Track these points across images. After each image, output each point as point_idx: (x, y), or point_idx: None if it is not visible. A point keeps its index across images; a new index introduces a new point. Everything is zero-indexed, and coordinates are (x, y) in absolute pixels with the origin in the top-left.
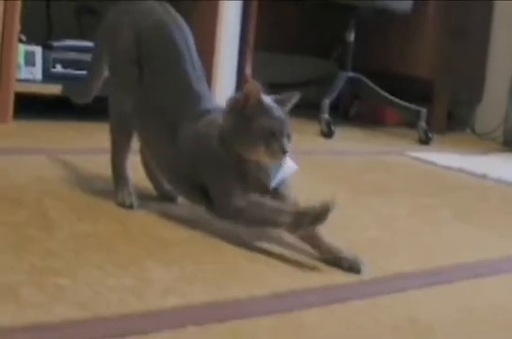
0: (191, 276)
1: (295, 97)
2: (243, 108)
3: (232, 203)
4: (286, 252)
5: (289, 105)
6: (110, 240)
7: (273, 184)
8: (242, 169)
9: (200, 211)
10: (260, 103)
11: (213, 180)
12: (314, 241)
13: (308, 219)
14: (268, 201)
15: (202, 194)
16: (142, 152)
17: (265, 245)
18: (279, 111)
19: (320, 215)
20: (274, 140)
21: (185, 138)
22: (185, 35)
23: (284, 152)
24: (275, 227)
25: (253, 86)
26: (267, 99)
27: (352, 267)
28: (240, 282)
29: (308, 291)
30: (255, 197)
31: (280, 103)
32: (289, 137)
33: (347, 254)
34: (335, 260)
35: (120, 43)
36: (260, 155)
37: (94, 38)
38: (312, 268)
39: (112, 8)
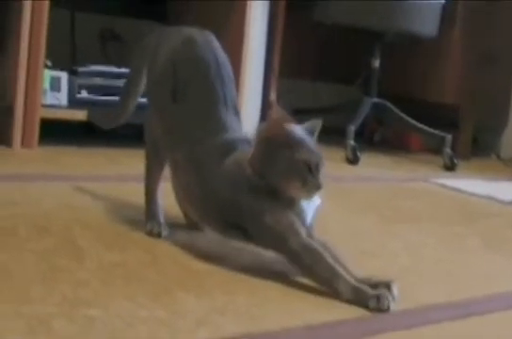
0: (222, 307)
1: (318, 125)
2: (272, 141)
3: (288, 246)
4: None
5: (315, 135)
6: (139, 270)
7: (309, 220)
8: (284, 202)
9: (228, 242)
10: (290, 134)
11: (259, 219)
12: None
13: (366, 300)
14: (324, 254)
15: (240, 231)
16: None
17: (297, 277)
18: (312, 143)
19: (381, 298)
20: (310, 176)
21: (216, 175)
22: (221, 68)
23: (320, 188)
24: (330, 290)
25: (280, 117)
26: (298, 130)
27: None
28: (272, 313)
29: (341, 323)
30: (308, 242)
31: (309, 132)
32: (323, 169)
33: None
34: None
35: (158, 67)
36: (295, 191)
37: (131, 60)
38: (345, 300)
39: (154, 31)
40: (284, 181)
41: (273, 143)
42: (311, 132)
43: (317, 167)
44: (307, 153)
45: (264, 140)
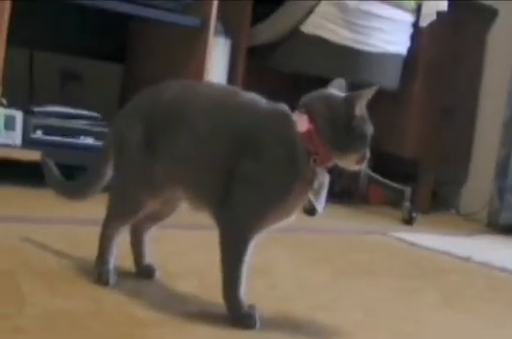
0: None
1: (343, 84)
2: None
3: (238, 233)
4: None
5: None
6: (84, 319)
7: (320, 208)
8: (306, 177)
9: (175, 289)
10: (358, 105)
11: (255, 179)
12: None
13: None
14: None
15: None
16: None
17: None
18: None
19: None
20: (365, 148)
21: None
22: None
23: (366, 160)
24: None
25: (370, 92)
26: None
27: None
28: None
29: None
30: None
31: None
32: None
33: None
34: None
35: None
36: (352, 162)
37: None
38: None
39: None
40: (349, 152)
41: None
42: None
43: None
44: (368, 126)
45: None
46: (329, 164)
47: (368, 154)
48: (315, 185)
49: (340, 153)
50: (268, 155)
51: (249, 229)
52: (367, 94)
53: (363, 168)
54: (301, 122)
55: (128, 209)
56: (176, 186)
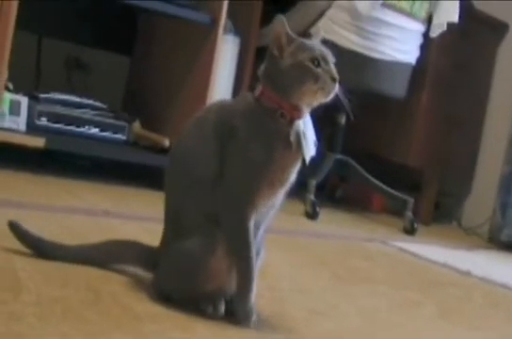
0: None
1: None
2: (279, 50)
3: (237, 212)
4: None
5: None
6: (78, 308)
7: (309, 157)
8: (283, 131)
9: None
10: (292, 39)
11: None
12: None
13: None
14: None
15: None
16: None
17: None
18: (314, 43)
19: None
20: (320, 69)
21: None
22: None
23: (334, 78)
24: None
25: (280, 24)
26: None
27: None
28: None
29: None
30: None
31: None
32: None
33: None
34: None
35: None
36: (310, 93)
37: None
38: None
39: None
40: (298, 86)
41: (279, 55)
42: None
43: (325, 59)
44: (311, 50)
45: (269, 55)
46: (300, 112)
47: (329, 73)
48: (292, 137)
49: (291, 95)
50: (242, 132)
51: (247, 205)
52: (274, 31)
53: (339, 93)
54: (256, 90)
55: None
56: None
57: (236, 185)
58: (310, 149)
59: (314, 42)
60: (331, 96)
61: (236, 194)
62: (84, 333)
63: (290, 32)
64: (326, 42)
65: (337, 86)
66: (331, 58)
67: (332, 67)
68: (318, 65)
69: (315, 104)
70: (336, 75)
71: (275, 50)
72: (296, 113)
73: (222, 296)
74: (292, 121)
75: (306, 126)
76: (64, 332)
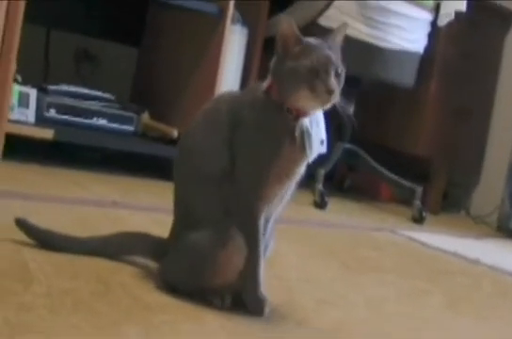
0: None
1: (343, 28)
2: (284, 50)
3: (247, 204)
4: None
5: (338, 39)
6: (89, 299)
7: (312, 156)
8: (289, 127)
9: None
10: (299, 40)
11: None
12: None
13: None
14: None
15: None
16: None
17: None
18: (322, 47)
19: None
20: (318, 80)
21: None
22: None
23: (330, 91)
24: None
25: (287, 24)
26: (309, 38)
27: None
28: None
29: None
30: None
31: (326, 39)
32: (338, 74)
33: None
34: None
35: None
36: (304, 100)
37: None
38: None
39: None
40: (293, 90)
41: (283, 54)
42: (328, 38)
43: (327, 70)
44: (314, 58)
45: (276, 54)
46: (304, 112)
47: (325, 86)
48: (296, 133)
49: (288, 96)
50: (250, 125)
51: (257, 199)
52: (282, 31)
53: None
54: (266, 82)
55: None
56: None
57: (245, 179)
58: (313, 148)
59: (322, 44)
60: (327, 107)
61: (246, 189)
62: (94, 325)
63: (297, 32)
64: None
65: (333, 97)
66: (334, 66)
67: (331, 78)
68: (317, 75)
69: (314, 109)
70: (333, 87)
71: (281, 49)
72: (300, 111)
73: (230, 289)
74: (297, 117)
75: (314, 125)
76: (74, 324)
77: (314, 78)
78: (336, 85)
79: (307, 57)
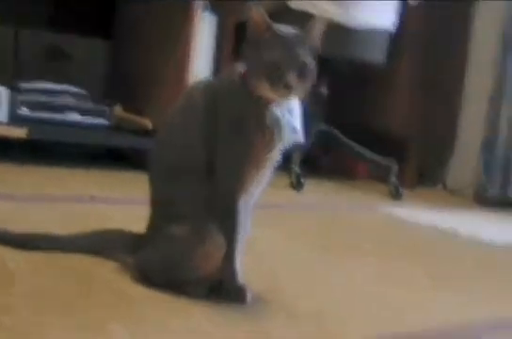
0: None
1: (320, 22)
2: (254, 38)
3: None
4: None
5: (313, 32)
6: (72, 298)
7: (284, 143)
8: (260, 114)
9: None
10: (270, 28)
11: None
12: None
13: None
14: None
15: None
16: None
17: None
18: (290, 40)
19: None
20: (277, 74)
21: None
22: None
23: (288, 86)
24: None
25: (257, 11)
26: (282, 27)
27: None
28: None
29: None
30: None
31: (300, 30)
32: (303, 69)
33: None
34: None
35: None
36: (265, 91)
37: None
38: (278, 335)
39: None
40: (255, 80)
41: (253, 42)
42: (303, 31)
43: (288, 65)
44: (278, 51)
45: (247, 41)
46: (272, 100)
47: (285, 82)
48: (267, 120)
49: (252, 84)
50: (224, 113)
51: (236, 188)
52: (253, 19)
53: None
54: (241, 68)
55: None
56: None
57: (223, 168)
58: (285, 136)
59: (291, 36)
60: (286, 100)
61: (224, 178)
62: (78, 324)
63: (268, 20)
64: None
65: (292, 92)
66: (297, 61)
67: (290, 73)
68: (278, 69)
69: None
70: (290, 83)
71: (251, 37)
72: (270, 99)
73: (207, 280)
74: (268, 105)
75: (286, 113)
76: (58, 324)
77: (274, 72)
78: (295, 81)
79: (272, 50)
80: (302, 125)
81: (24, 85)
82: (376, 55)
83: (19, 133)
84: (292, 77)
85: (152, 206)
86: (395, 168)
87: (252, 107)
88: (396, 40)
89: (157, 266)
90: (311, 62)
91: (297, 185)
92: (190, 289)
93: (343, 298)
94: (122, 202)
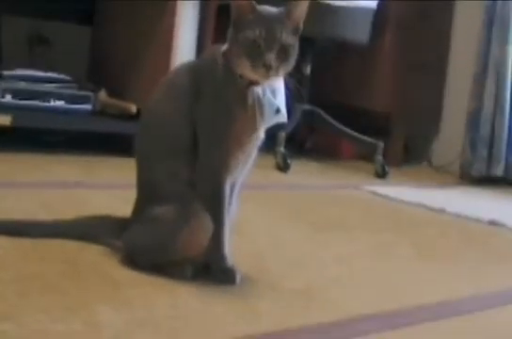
0: (142, 320)
1: (302, 2)
2: (238, 19)
3: (210, 175)
4: (242, 295)
5: (297, 12)
6: (57, 281)
7: (266, 124)
8: (241, 94)
9: None
10: (253, 8)
11: (208, 121)
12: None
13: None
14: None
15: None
16: None
17: (220, 287)
18: (272, 19)
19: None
20: (257, 53)
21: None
22: None
23: (267, 66)
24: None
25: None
26: (264, 7)
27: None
28: (193, 327)
29: (265, 336)
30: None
31: (283, 10)
32: (284, 49)
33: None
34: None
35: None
36: (245, 70)
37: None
38: (267, 313)
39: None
40: (236, 59)
41: (237, 22)
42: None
43: (269, 45)
44: (259, 30)
45: (231, 21)
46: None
47: (264, 62)
48: (249, 100)
49: (234, 64)
50: (207, 93)
51: (220, 168)
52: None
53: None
54: (224, 47)
55: None
56: None
57: (206, 148)
58: (266, 116)
59: (273, 15)
60: (266, 80)
61: (208, 157)
62: (65, 307)
63: (252, 2)
64: None
65: (272, 72)
66: (278, 41)
67: (270, 53)
68: (258, 49)
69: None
70: (269, 63)
71: (235, 17)
72: (252, 79)
73: (193, 262)
74: (250, 85)
75: (269, 93)
76: (45, 308)
77: (254, 51)
78: (274, 60)
79: (253, 29)
80: (286, 105)
81: (7, 72)
82: (359, 33)
83: (3, 120)
84: (271, 56)
85: (138, 189)
86: (381, 146)
87: (234, 86)
88: (379, 18)
89: (141, 247)
90: (293, 42)
91: (284, 166)
92: (175, 271)
93: (331, 274)
94: (109, 187)
